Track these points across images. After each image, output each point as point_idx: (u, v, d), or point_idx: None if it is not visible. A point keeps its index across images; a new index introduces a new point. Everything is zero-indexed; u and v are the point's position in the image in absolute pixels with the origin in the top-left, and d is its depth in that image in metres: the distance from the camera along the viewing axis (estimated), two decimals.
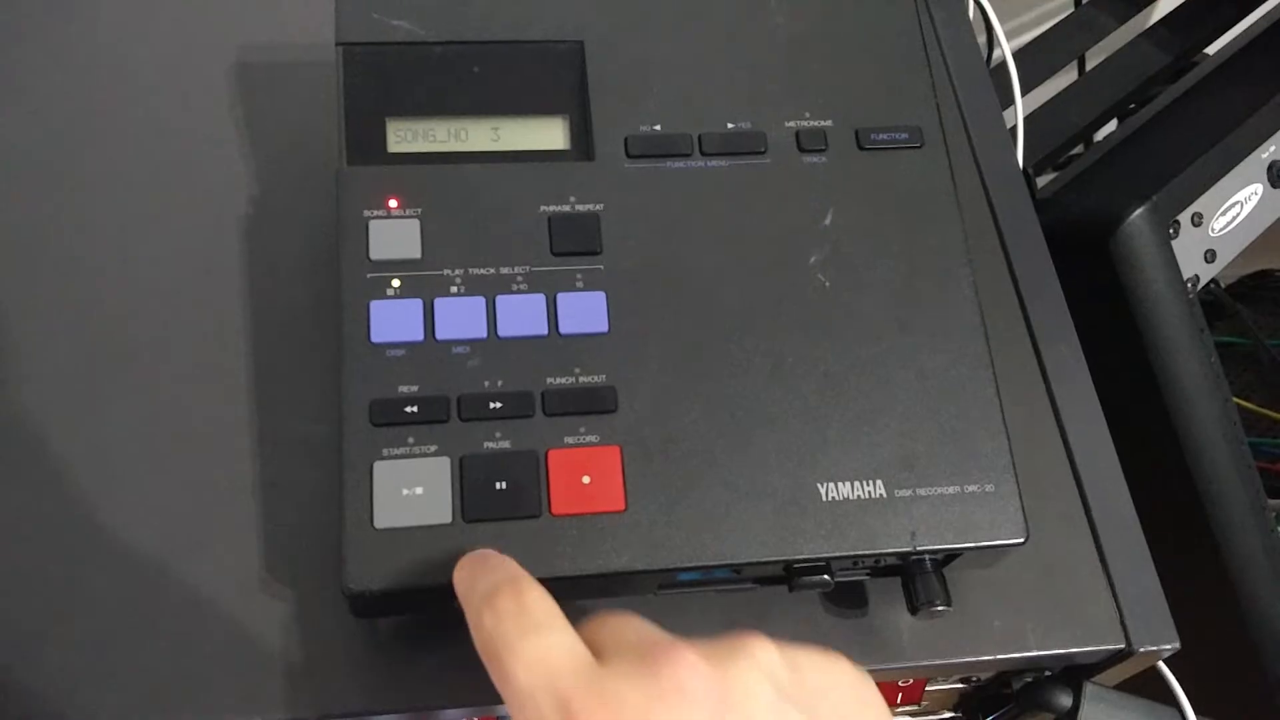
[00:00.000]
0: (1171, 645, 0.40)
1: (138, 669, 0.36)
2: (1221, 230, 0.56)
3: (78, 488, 0.39)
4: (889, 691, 0.43)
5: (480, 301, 0.38)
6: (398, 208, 0.38)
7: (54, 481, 0.39)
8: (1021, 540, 0.37)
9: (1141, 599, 0.41)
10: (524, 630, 0.29)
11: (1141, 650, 0.40)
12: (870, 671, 0.39)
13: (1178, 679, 0.43)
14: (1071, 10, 0.70)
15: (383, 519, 0.34)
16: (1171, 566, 0.42)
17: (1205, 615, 0.47)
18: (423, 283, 0.38)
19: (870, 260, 0.40)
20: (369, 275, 0.37)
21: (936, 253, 0.41)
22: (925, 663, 0.39)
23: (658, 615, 0.31)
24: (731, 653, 0.28)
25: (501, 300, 0.38)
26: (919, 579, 0.37)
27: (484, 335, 0.37)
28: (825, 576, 0.36)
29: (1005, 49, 0.55)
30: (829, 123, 0.42)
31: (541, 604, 0.30)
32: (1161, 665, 0.42)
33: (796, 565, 0.36)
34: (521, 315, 0.38)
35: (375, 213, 0.38)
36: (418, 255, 0.38)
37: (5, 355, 0.41)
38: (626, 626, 0.31)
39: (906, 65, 0.44)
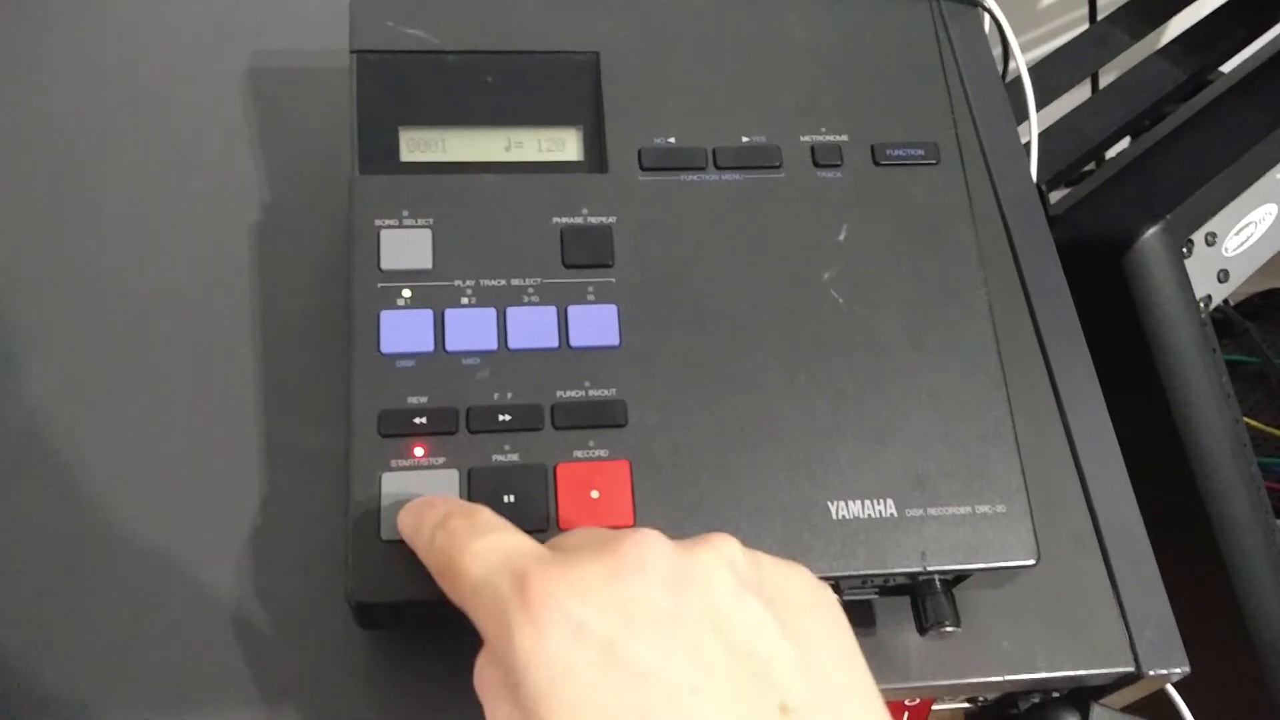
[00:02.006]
0: (1181, 669, 0.40)
1: (142, 678, 0.36)
2: (1235, 250, 0.56)
3: (84, 495, 0.39)
4: (895, 710, 0.43)
5: (491, 313, 0.37)
6: (409, 217, 0.38)
7: (60, 488, 0.39)
8: (1032, 562, 0.37)
9: (1151, 622, 0.41)
10: (475, 534, 0.29)
11: (1151, 674, 0.40)
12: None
13: (1184, 699, 0.42)
14: (1086, 27, 0.70)
15: (390, 530, 0.34)
16: (1179, 586, 0.42)
17: (1212, 635, 0.47)
18: (433, 293, 0.37)
19: (884, 277, 0.40)
20: (380, 285, 0.37)
21: (951, 270, 0.40)
22: (933, 683, 0.39)
23: None
24: (696, 541, 0.29)
25: (512, 312, 0.37)
26: (928, 599, 0.37)
27: (494, 347, 0.37)
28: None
29: (1021, 65, 0.55)
30: (844, 138, 0.42)
31: (493, 516, 0.30)
32: (1170, 688, 0.42)
33: None
34: (532, 327, 0.37)
35: (387, 222, 0.38)
36: (429, 265, 0.38)
37: (15, 360, 0.41)
38: (591, 530, 0.31)
39: (923, 81, 0.44)
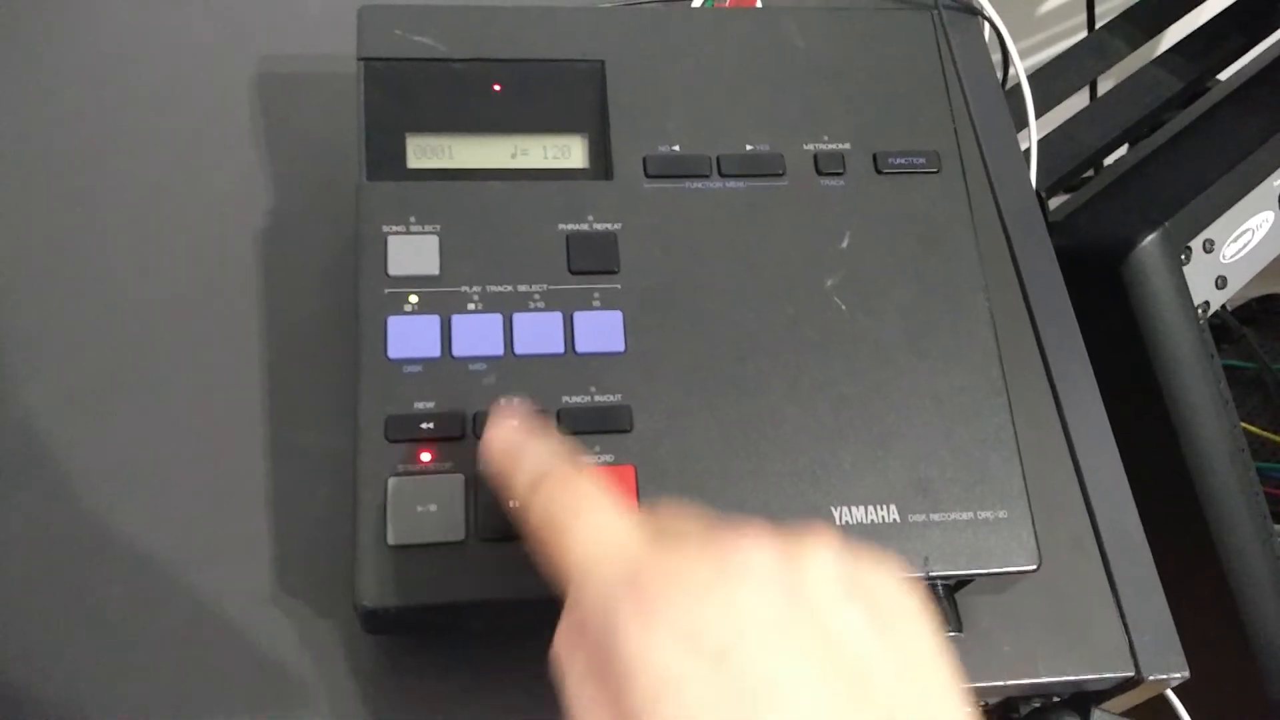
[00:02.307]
0: (1181, 674, 0.40)
1: (147, 681, 0.36)
2: (1232, 257, 0.56)
3: (90, 497, 0.39)
4: None
5: (497, 319, 0.38)
6: (416, 224, 0.38)
7: (66, 490, 0.39)
8: (1034, 567, 0.37)
9: (1151, 627, 0.41)
10: (581, 508, 0.29)
11: (1150, 678, 0.40)
12: None
13: (1183, 703, 0.43)
14: (1085, 35, 0.70)
15: (396, 535, 0.34)
16: (1178, 591, 0.42)
17: (1210, 639, 0.47)
18: (440, 299, 0.38)
19: (886, 284, 0.40)
20: (387, 291, 0.37)
21: (952, 278, 0.41)
22: None
23: None
24: (799, 540, 0.28)
25: (519, 318, 0.38)
26: (930, 604, 0.37)
27: (501, 353, 0.37)
28: None
29: (1020, 72, 0.55)
30: (847, 146, 0.42)
31: (595, 486, 0.30)
32: (1169, 693, 0.42)
33: None
34: (538, 333, 0.38)
35: (394, 228, 0.38)
36: (436, 271, 0.38)
37: (21, 363, 0.41)
38: (684, 511, 0.30)
39: (924, 90, 0.44)
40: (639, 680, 0.25)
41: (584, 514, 0.29)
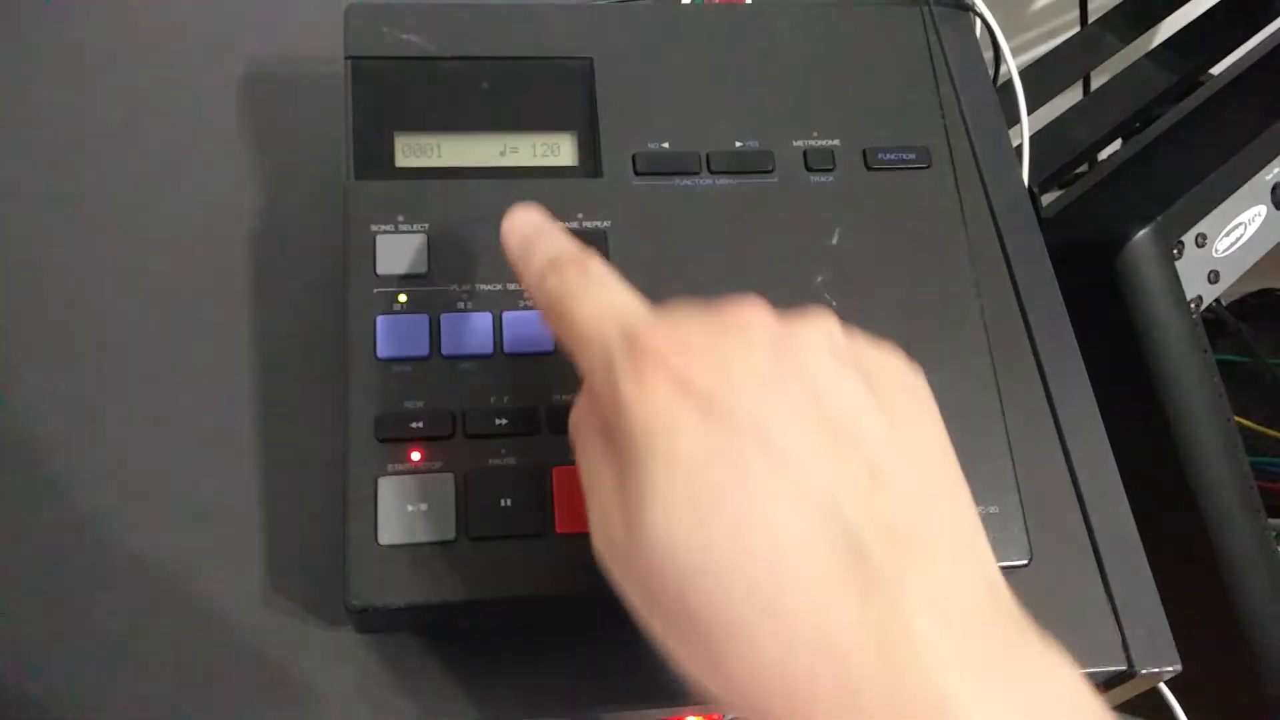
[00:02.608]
0: (1173, 667, 0.40)
1: (139, 684, 0.36)
2: (1225, 251, 0.56)
3: (80, 500, 0.39)
4: None
5: (487, 317, 0.38)
6: (405, 222, 0.38)
7: (57, 494, 0.39)
8: (1025, 561, 0.37)
9: (1143, 620, 0.41)
10: (588, 284, 0.30)
11: (1143, 672, 0.40)
12: None
13: (1177, 697, 0.43)
14: (1077, 30, 0.70)
15: (387, 535, 0.34)
16: (1171, 585, 0.42)
17: (1204, 633, 0.47)
18: (429, 298, 0.38)
19: (877, 280, 0.40)
20: (375, 290, 0.37)
21: (943, 274, 0.41)
22: None
23: None
24: (796, 313, 0.29)
25: (508, 316, 0.38)
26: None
27: (490, 351, 0.37)
28: None
29: (1012, 68, 0.55)
30: (836, 142, 0.42)
31: (602, 267, 0.31)
32: (1162, 687, 0.42)
33: None
34: (528, 331, 0.38)
35: (382, 227, 0.38)
36: (425, 270, 0.38)
37: (11, 366, 0.41)
38: (691, 303, 0.31)
39: (914, 85, 0.44)
40: (632, 426, 0.27)
41: (590, 289, 0.30)
